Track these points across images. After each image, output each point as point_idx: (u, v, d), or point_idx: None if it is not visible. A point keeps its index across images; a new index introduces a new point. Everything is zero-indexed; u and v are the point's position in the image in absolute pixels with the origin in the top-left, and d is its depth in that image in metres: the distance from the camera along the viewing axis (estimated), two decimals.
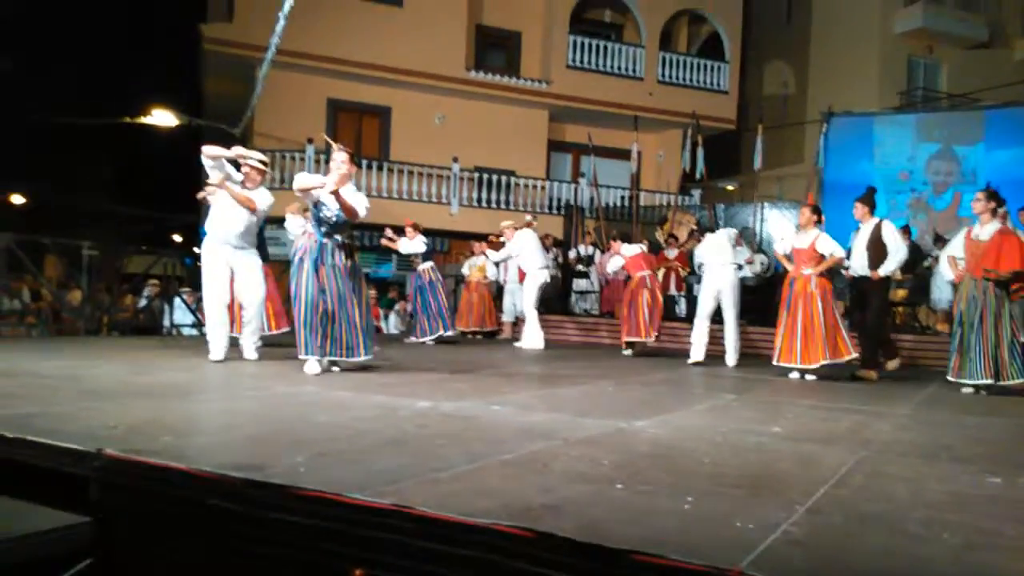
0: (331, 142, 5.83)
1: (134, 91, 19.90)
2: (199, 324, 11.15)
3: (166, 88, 20.08)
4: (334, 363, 5.76)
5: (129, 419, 3.36)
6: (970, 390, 6.20)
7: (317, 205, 5.59)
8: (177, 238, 31.03)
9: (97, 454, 2.59)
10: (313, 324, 5.46)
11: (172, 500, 2.43)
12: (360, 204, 5.65)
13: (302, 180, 5.58)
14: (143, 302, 12.23)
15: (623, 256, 9.53)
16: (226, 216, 6.24)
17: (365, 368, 5.86)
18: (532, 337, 9.79)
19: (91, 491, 2.55)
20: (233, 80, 16.67)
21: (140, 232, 26.06)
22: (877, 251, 6.99)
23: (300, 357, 5.53)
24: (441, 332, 9.86)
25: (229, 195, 6.17)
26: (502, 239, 10.27)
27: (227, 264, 6.28)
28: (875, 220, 7.16)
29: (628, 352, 9.27)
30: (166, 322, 10.82)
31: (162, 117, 16.75)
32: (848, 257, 7.19)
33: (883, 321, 7.63)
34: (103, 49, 29.53)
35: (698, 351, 8.25)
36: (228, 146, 6.39)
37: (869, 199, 7.24)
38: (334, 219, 5.61)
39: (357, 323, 5.63)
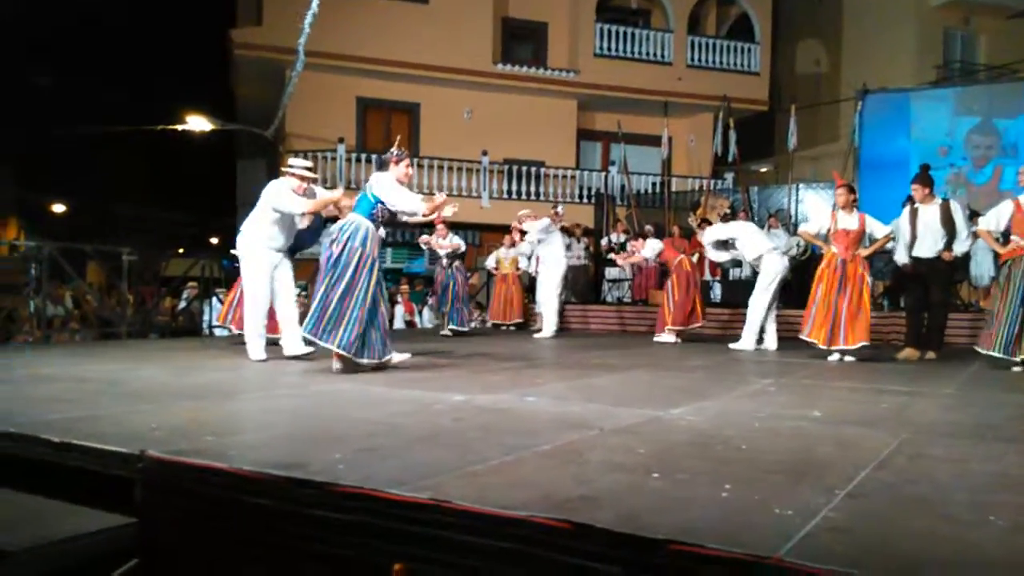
0: (400, 144, 5.91)
1: (168, 98, 20.22)
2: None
3: (199, 94, 20.36)
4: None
5: (171, 420, 3.42)
6: (1019, 369, 6.03)
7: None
8: (214, 240, 31.51)
9: (140, 456, 2.64)
10: (361, 322, 5.44)
11: (214, 499, 2.47)
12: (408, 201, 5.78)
13: (416, 204, 5.66)
14: (182, 304, 12.44)
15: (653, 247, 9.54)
16: (283, 224, 6.37)
17: (391, 365, 5.80)
18: (549, 326, 9.91)
19: (135, 492, 2.60)
20: (264, 83, 16.86)
21: (178, 236, 26.56)
22: (950, 231, 6.86)
23: (345, 354, 5.45)
24: (459, 326, 10.03)
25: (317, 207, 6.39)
26: (523, 226, 10.27)
27: (272, 266, 6.41)
28: (938, 199, 7.02)
29: (675, 340, 9.13)
30: (204, 323, 10.99)
31: (197, 123, 17.00)
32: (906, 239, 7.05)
33: (948, 301, 7.51)
34: (137, 59, 30.02)
35: (771, 339, 8.23)
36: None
37: (927, 178, 7.08)
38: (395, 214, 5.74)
39: (385, 322, 5.72)
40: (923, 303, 7.14)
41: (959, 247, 6.87)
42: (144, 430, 3.15)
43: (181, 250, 21.18)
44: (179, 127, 17.21)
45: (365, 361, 5.49)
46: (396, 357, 5.78)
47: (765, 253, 8.20)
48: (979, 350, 6.32)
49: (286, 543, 2.32)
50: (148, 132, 18.22)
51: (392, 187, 5.59)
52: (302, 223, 6.59)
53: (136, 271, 10.63)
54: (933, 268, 6.99)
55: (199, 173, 27.04)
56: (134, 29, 29.38)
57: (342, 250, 5.41)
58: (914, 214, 7.04)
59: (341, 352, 5.37)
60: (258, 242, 6.38)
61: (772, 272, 8.12)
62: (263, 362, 6.19)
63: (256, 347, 6.33)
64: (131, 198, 26.03)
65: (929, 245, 6.94)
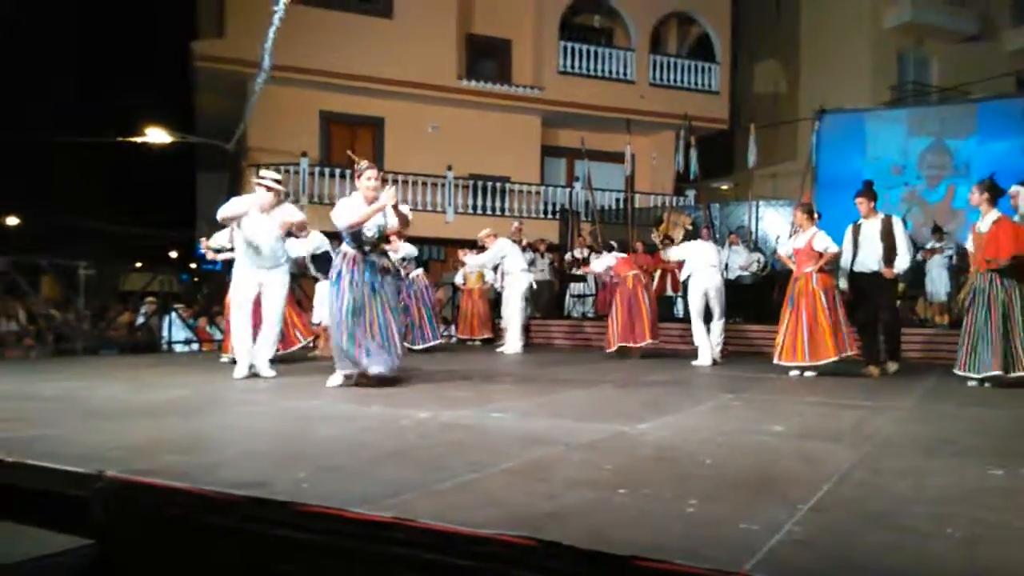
0: (355, 158, 5.83)
1: (128, 109, 19.89)
2: (196, 340, 11.17)
3: (160, 105, 20.09)
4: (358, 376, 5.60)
5: (130, 439, 3.36)
6: (975, 383, 6.17)
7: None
8: (173, 254, 31.05)
9: (98, 476, 2.58)
10: (357, 339, 5.44)
11: (175, 520, 2.43)
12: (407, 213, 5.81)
13: (355, 216, 5.53)
14: (140, 319, 12.22)
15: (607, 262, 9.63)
16: (255, 244, 6.24)
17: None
18: (514, 342, 9.92)
19: (93, 513, 2.54)
20: (225, 96, 16.69)
21: (137, 249, 26.10)
22: (890, 246, 7.00)
23: (344, 373, 5.53)
24: (432, 342, 9.93)
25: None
26: (465, 259, 10.42)
27: (257, 284, 6.32)
28: (882, 215, 7.17)
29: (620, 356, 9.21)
30: (163, 339, 10.81)
31: (155, 135, 16.77)
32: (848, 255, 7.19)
33: (897, 313, 7.65)
34: (94, 69, 29.56)
35: (705, 354, 8.30)
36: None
37: (871, 192, 7.23)
38: (375, 237, 5.65)
39: (398, 337, 5.69)
40: (873, 318, 7.26)
41: (900, 264, 7.01)
42: (102, 449, 3.08)
43: (139, 264, 20.81)
44: (138, 139, 16.96)
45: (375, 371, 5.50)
46: (331, 380, 5.65)
47: (693, 272, 8.51)
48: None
49: (249, 564, 2.28)
50: (106, 143, 17.94)
51: (336, 209, 5.64)
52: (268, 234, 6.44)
53: (93, 285, 10.42)
54: (875, 283, 7.11)
55: (159, 186, 26.66)
56: (92, 38, 28.97)
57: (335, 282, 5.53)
58: (856, 229, 7.20)
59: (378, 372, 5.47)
60: (239, 260, 6.33)
61: (694, 290, 8.46)
62: (243, 379, 6.07)
63: (242, 364, 6.24)
64: (88, 211, 25.55)
65: (871, 259, 7.07)
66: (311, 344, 8.72)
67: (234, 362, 6.47)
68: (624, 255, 9.72)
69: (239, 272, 6.35)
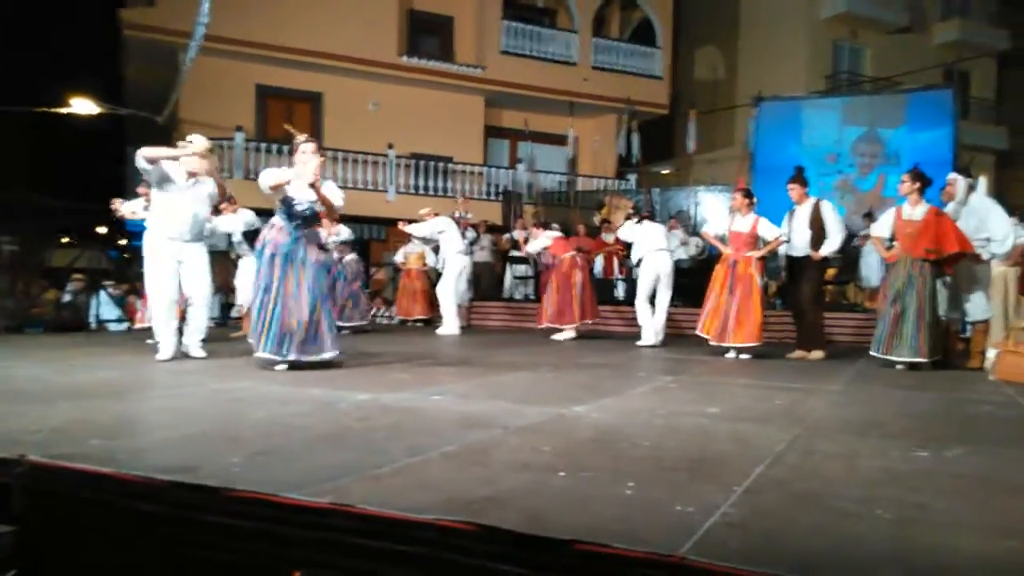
0: (293, 131, 5.62)
1: (53, 77, 19.10)
2: (126, 319, 10.83)
3: (86, 75, 19.31)
4: (294, 362, 5.38)
5: (53, 422, 3.23)
6: (902, 367, 6.35)
7: (286, 200, 5.40)
8: (102, 230, 29.99)
9: (19, 460, 2.48)
10: (283, 322, 5.25)
11: (99, 506, 2.34)
12: (337, 196, 5.57)
13: (271, 177, 5.36)
14: (67, 297, 11.80)
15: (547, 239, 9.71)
16: (174, 209, 5.96)
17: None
18: (450, 323, 9.90)
19: (14, 499, 2.44)
20: (156, 66, 16.12)
21: (63, 224, 25.11)
22: (818, 231, 7.14)
23: (263, 355, 5.28)
24: (358, 322, 9.86)
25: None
26: (406, 228, 10.32)
27: (175, 259, 6.03)
28: (812, 200, 7.32)
29: (561, 337, 9.29)
30: (91, 317, 10.46)
31: (82, 105, 16.12)
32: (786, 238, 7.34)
33: (821, 301, 7.81)
34: (17, 34, 28.23)
35: (648, 334, 8.40)
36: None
37: (802, 179, 7.38)
38: (307, 212, 5.45)
39: (326, 320, 5.44)
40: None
41: (827, 247, 7.17)
42: (24, 433, 2.96)
43: (66, 239, 20.03)
44: (63, 110, 16.29)
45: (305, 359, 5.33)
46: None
47: (645, 255, 8.61)
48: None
49: (177, 551, 2.22)
50: (28, 113, 17.18)
51: (264, 171, 5.52)
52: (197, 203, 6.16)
53: (17, 261, 10.01)
54: (802, 266, 7.28)
55: (86, 159, 25.70)
56: (17, 4, 27.64)
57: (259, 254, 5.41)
58: (791, 215, 7.36)
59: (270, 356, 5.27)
60: (160, 234, 6.01)
61: (646, 272, 8.57)
62: (167, 362, 5.87)
63: (165, 345, 5.98)
64: (11, 183, 24.47)
65: (799, 243, 7.22)
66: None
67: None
68: (560, 235, 9.80)
69: (156, 244, 6.02)
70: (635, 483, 2.42)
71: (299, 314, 5.29)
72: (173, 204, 5.97)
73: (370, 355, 6.65)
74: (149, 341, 7.24)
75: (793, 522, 2.09)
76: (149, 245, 6.08)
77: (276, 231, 5.44)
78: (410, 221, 10.37)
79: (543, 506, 2.14)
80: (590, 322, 9.38)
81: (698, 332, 7.22)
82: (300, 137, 5.52)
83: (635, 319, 8.70)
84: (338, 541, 2.01)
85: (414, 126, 17.38)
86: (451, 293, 9.95)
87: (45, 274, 12.93)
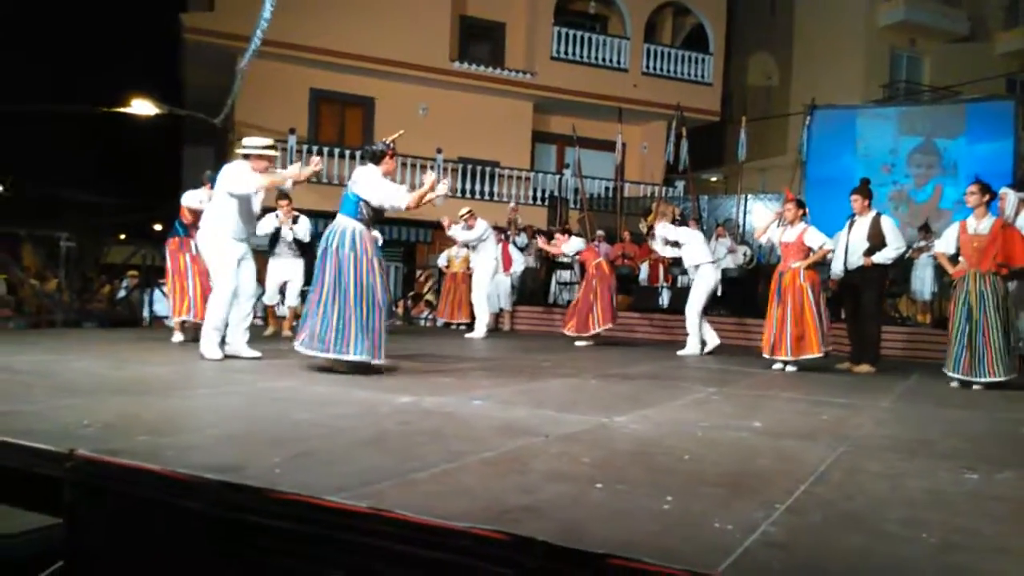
0: (393, 141, 5.64)
1: (114, 81, 19.62)
2: None
3: (147, 77, 19.83)
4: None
5: (104, 417, 3.31)
6: (979, 387, 6.00)
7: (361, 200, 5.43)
8: (158, 227, 30.73)
9: (69, 455, 2.54)
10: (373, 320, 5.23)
11: (145, 502, 2.40)
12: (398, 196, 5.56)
13: (405, 198, 5.43)
14: (122, 293, 12.11)
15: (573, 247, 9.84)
16: (244, 212, 6.07)
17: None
18: (480, 327, 9.99)
19: (64, 492, 2.50)
20: (214, 70, 16.48)
21: (120, 223, 25.82)
22: (877, 244, 7.01)
23: (373, 361, 5.25)
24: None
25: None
26: (449, 232, 10.34)
27: (237, 257, 6.08)
28: (873, 212, 7.19)
29: (580, 343, 9.33)
30: (145, 313, 10.72)
31: (142, 106, 16.55)
32: (841, 250, 7.21)
33: (880, 313, 7.65)
34: (83, 39, 29.14)
35: (695, 345, 8.46)
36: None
37: (867, 190, 7.26)
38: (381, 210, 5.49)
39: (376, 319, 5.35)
40: (858, 315, 7.29)
41: (880, 256, 7.03)
42: (75, 427, 3.04)
43: (123, 236, 20.60)
44: (125, 110, 16.74)
45: (378, 362, 5.26)
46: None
47: (703, 263, 8.58)
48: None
49: (218, 550, 2.26)
50: (93, 114, 17.69)
51: (376, 182, 5.37)
52: (258, 204, 6.28)
53: (75, 257, 10.32)
54: (863, 278, 7.16)
55: (145, 158, 26.36)
56: (80, 7, 28.54)
57: (336, 259, 5.20)
58: (851, 225, 7.23)
59: (359, 359, 5.16)
60: (223, 233, 6.04)
61: (706, 282, 8.53)
62: (219, 360, 5.89)
63: (212, 345, 5.97)
64: (72, 181, 25.21)
65: (858, 256, 7.10)
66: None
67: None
68: (581, 241, 9.96)
69: (222, 243, 6.05)
70: (673, 497, 2.39)
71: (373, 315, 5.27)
72: (243, 207, 6.08)
73: (412, 358, 6.69)
74: (176, 338, 7.36)
75: (835, 543, 2.05)
76: (214, 244, 6.08)
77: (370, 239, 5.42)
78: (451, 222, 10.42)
79: (579, 518, 2.13)
80: (601, 330, 9.32)
81: (765, 355, 7.06)
82: (391, 144, 5.59)
83: (676, 328, 8.65)
84: (375, 546, 2.03)
85: (463, 131, 17.48)
86: (483, 298, 10.00)
87: (102, 270, 13.31)
